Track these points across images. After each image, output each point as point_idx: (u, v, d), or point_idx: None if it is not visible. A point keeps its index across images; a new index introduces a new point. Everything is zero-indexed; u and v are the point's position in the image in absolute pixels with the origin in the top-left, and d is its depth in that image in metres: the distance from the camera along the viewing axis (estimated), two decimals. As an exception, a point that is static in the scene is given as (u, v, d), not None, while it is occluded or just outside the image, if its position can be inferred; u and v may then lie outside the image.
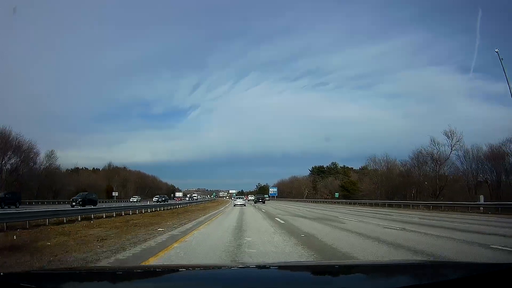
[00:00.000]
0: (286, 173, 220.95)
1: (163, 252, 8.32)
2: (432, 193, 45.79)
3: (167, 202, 55.05)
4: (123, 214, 23.71)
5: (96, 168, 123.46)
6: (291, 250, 8.49)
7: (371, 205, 48.19)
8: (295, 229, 13.78)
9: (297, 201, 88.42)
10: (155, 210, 30.98)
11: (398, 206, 41.66)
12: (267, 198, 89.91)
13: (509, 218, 20.35)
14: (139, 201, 65.68)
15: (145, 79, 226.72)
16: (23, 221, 14.96)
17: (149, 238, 10.85)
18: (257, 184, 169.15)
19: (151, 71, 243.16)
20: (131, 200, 70.70)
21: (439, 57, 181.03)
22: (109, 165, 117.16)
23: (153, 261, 7.31)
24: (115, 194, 77.16)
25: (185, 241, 10.31)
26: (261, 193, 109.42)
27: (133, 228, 13.63)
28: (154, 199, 68.88)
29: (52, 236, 11.61)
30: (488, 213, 25.84)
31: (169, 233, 12.32)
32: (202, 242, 10.23)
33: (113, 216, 22.03)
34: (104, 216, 21.25)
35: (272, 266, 3.00)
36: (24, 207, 30.79)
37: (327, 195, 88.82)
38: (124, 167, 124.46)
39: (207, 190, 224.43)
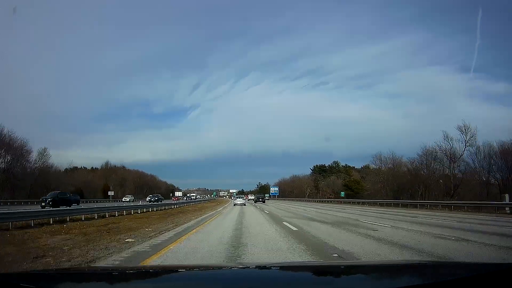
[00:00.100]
0: (286, 173, 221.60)
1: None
2: (446, 192, 42.91)
3: (161, 202, 52.26)
4: (107, 216, 21.28)
5: (95, 168, 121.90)
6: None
7: (380, 204, 45.25)
8: (318, 243, 9.64)
9: (299, 200, 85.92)
10: (146, 211, 28.48)
11: (406, 205, 39.52)
12: (267, 198, 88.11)
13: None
14: (132, 201, 62.95)
15: (145, 79, 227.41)
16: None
17: (104, 257, 7.86)
18: (258, 184, 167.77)
19: (151, 71, 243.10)
20: (123, 200, 67.74)
21: (439, 57, 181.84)
22: (106, 164, 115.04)
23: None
24: (111, 193, 74.57)
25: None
26: (261, 192, 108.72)
27: (103, 236, 11.11)
28: (147, 198, 65.47)
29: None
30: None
31: (136, 247, 9.03)
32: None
33: (94, 218, 19.61)
34: (83, 218, 18.82)
35: (273, 266, 2.93)
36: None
37: (330, 195, 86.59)
38: (123, 167, 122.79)
39: (207, 189, 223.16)
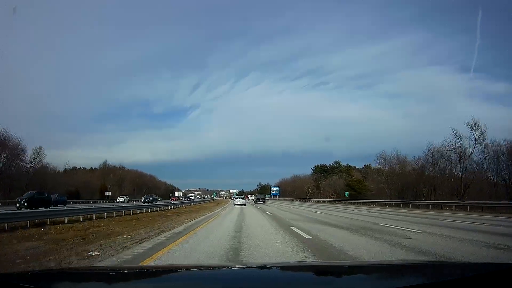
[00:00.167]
0: (287, 173, 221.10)
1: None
2: (456, 192, 41.10)
3: (156, 202, 50.47)
4: (94, 218, 19.70)
5: (94, 168, 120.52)
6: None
7: (389, 205, 43.22)
8: (342, 257, 7.62)
9: (300, 200, 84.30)
10: (139, 212, 26.86)
11: (415, 206, 37.99)
12: (267, 198, 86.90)
13: None
14: (127, 202, 61.13)
15: (145, 79, 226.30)
16: None
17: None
18: (258, 184, 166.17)
19: (151, 71, 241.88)
20: (117, 200, 65.88)
21: (439, 57, 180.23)
22: (104, 164, 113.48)
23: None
24: (108, 194, 72.87)
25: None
26: (262, 192, 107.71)
27: (73, 244, 9.49)
28: (142, 199, 63.50)
29: None
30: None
31: (96, 264, 6.95)
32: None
33: (79, 221, 18.04)
34: (65, 221, 17.27)
35: (273, 266, 2.83)
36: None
37: (332, 195, 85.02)
38: (123, 167, 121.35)
39: (207, 190, 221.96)
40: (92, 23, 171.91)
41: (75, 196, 75.10)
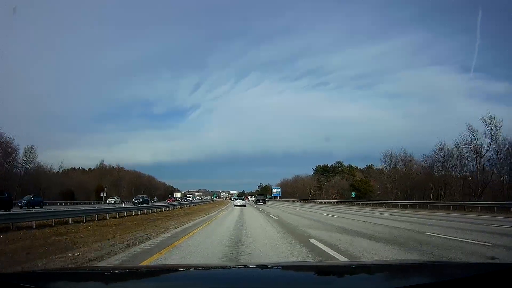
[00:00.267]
0: (287, 173, 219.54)
1: None
2: (473, 192, 38.30)
3: (148, 204, 47.29)
4: (70, 222, 17.22)
5: (93, 168, 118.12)
6: None
7: (403, 206, 39.96)
8: None
9: (303, 202, 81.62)
10: (127, 215, 24.25)
11: (420, 207, 35.71)
12: (267, 199, 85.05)
13: None
14: (118, 203, 58.25)
15: (145, 79, 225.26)
16: None
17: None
18: (259, 185, 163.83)
19: (151, 71, 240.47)
20: (107, 201, 63.02)
21: (439, 57, 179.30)
22: (101, 164, 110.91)
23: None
24: (103, 194, 70.28)
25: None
26: (263, 193, 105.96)
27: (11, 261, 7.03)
28: (132, 200, 60.24)
29: None
30: None
31: None
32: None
33: (51, 225, 15.56)
34: (34, 226, 14.81)
35: (273, 266, 2.92)
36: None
37: (335, 195, 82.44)
38: (122, 167, 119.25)
39: (208, 191, 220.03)
40: (92, 23, 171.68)
41: (70, 197, 72.61)
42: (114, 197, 68.78)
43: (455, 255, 7.54)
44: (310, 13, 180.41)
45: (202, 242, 9.97)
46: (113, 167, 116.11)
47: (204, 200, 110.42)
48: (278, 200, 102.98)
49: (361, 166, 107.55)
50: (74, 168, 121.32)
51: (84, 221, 18.35)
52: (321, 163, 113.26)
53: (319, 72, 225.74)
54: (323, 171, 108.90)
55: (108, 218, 21.05)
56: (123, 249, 8.50)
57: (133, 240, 9.78)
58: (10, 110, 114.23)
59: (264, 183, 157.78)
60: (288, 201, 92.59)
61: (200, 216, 23.37)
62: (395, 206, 40.73)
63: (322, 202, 71.23)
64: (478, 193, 37.40)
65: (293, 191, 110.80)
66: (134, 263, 7.02)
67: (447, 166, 45.65)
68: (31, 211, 19.29)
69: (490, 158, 40.83)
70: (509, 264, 2.87)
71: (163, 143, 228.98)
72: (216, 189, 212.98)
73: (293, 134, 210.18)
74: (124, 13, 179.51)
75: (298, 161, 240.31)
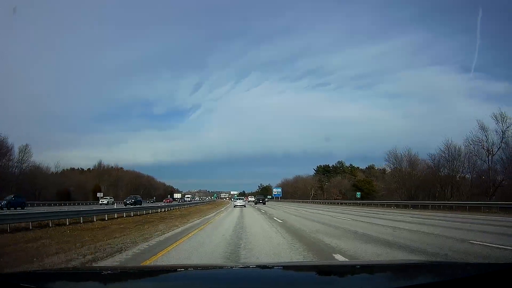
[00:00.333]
0: (287, 173, 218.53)
1: None
2: (485, 191, 36.66)
3: (140, 204, 45.35)
4: (50, 225, 15.78)
5: (92, 169, 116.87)
6: None
7: (413, 207, 38.05)
8: None
9: (304, 202, 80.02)
10: (117, 217, 22.73)
11: (433, 207, 33.91)
12: (267, 200, 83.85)
13: None
14: (111, 203, 56.58)
15: (145, 79, 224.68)
16: None
17: None
18: (259, 185, 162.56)
19: (151, 71, 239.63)
20: (100, 202, 61.13)
21: (439, 57, 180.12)
22: (100, 164, 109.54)
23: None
24: (100, 195, 68.80)
25: None
26: (263, 194, 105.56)
27: None
28: (124, 201, 56.99)
29: None
30: None
31: None
32: None
33: (29, 229, 14.14)
34: (8, 230, 13.38)
35: (273, 266, 2.91)
36: None
37: (338, 196, 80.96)
38: (121, 167, 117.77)
39: (208, 191, 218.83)
40: (92, 23, 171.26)
41: (66, 197, 71.22)
42: (107, 197, 66.78)
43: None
44: (310, 13, 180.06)
45: (185, 260, 7.46)
46: (111, 167, 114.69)
47: (204, 201, 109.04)
48: (278, 201, 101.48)
49: (362, 166, 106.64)
50: (73, 168, 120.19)
51: (67, 223, 16.91)
52: (321, 163, 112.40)
53: (319, 72, 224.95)
54: (324, 171, 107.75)
55: (95, 220, 19.60)
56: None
57: (99, 253, 8.02)
58: (10, 110, 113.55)
59: (265, 183, 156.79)
60: (289, 201, 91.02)
61: (195, 219, 21.78)
62: (405, 206, 38.76)
63: (324, 203, 69.49)
64: (490, 193, 35.78)
65: (294, 191, 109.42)
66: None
67: (455, 165, 44.08)
68: (6, 212, 17.86)
69: (502, 156, 39.05)
70: (509, 264, 2.74)
71: (163, 143, 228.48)
72: (216, 189, 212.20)
73: (293, 134, 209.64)
74: (124, 13, 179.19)
75: (299, 161, 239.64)
